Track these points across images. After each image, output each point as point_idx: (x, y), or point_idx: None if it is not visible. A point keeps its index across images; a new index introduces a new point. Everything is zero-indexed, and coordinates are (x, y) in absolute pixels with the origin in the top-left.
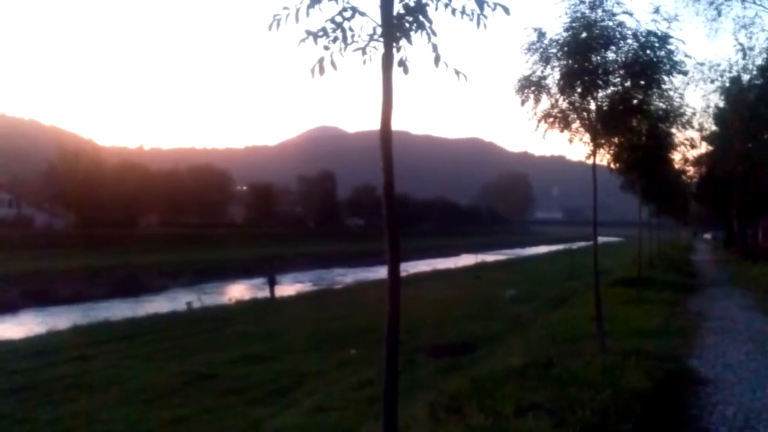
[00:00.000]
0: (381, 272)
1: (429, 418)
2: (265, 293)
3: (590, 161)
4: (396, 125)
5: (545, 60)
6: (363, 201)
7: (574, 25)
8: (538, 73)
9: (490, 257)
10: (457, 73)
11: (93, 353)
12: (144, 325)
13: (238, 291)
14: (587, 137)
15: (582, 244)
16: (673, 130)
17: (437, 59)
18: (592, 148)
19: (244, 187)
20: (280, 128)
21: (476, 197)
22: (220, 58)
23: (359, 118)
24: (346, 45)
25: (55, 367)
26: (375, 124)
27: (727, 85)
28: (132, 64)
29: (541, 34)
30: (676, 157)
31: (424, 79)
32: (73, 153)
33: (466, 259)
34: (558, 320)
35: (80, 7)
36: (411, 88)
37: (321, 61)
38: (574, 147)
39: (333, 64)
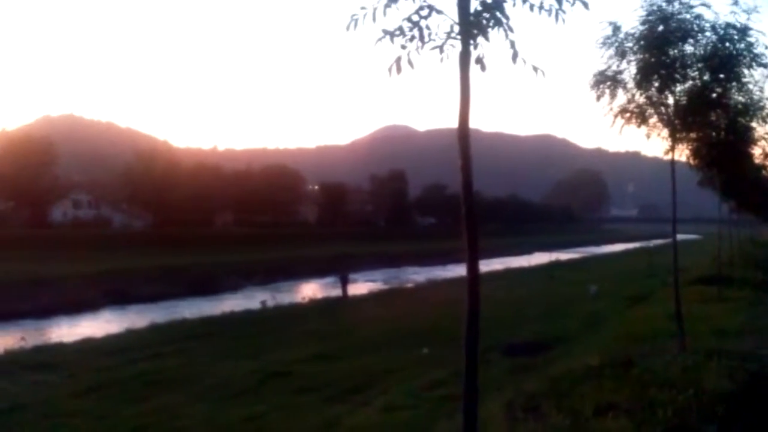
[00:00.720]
0: (452, 271)
1: (506, 417)
2: (337, 292)
3: (668, 157)
4: (458, 123)
5: (621, 54)
6: (433, 200)
7: (650, 18)
8: (614, 67)
9: (563, 255)
10: (535, 69)
11: (170, 351)
12: (219, 324)
13: (310, 290)
14: (665, 132)
15: (658, 241)
16: (754, 125)
17: (515, 56)
18: (670, 143)
19: (316, 187)
20: (351, 127)
21: (549, 195)
22: (291, 60)
23: (429, 117)
24: (423, 43)
25: (134, 364)
26: (445, 123)
27: None
28: (206, 67)
29: (617, 28)
30: (757, 152)
31: (495, 76)
32: (149, 155)
33: (539, 258)
34: (636, 319)
35: (154, 12)
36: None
37: (398, 60)
38: (651, 142)
39: (410, 62)
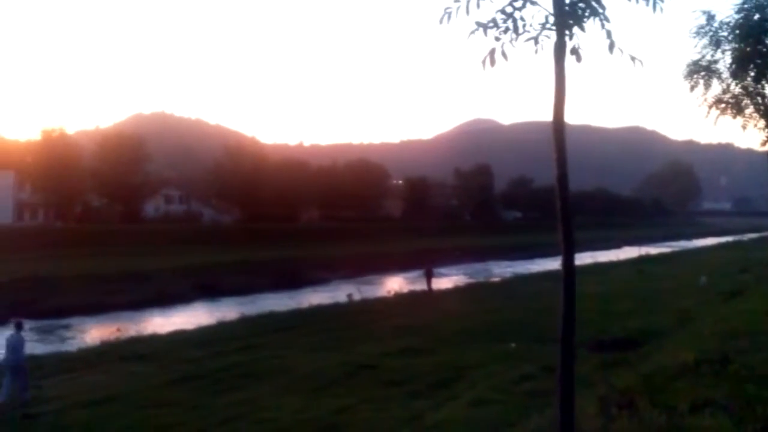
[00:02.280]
0: (539, 265)
1: (600, 413)
2: (422, 286)
3: (764, 149)
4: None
5: (716, 44)
6: (519, 194)
7: (746, 6)
8: (708, 57)
9: (653, 250)
10: (633, 59)
11: (259, 343)
12: (307, 317)
13: (395, 283)
14: (761, 123)
15: (753, 235)
16: None
17: (612, 46)
18: (766, 134)
19: (400, 181)
20: (435, 121)
21: (638, 188)
22: (376, 55)
23: (515, 110)
24: (518, 35)
25: (224, 356)
26: (531, 116)
27: None
28: (293, 63)
29: (711, 17)
30: None
31: (583, 68)
32: (238, 151)
33: (629, 252)
34: (731, 314)
35: (242, 10)
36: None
37: (492, 52)
38: (747, 134)
39: (504, 54)
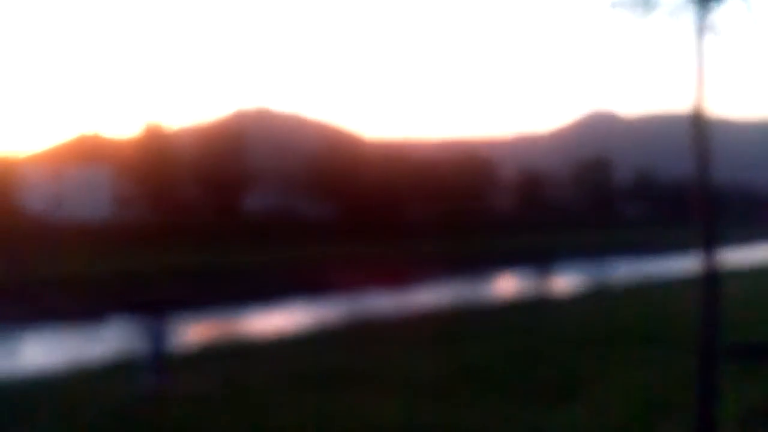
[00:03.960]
0: (663, 264)
1: (739, 424)
2: (536, 284)
3: None
4: (677, 105)
5: None
6: (641, 189)
7: None
8: None
9: None
10: None
11: (362, 343)
12: (412, 316)
13: (508, 282)
14: None
15: None
16: None
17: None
18: None
19: (512, 176)
20: (551, 115)
21: None
22: (485, 47)
23: (635, 102)
24: (651, 12)
25: (326, 355)
26: (652, 108)
27: None
28: (394, 56)
29: None
30: None
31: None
32: (337, 146)
33: None
34: None
35: (341, 6)
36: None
37: (624, 30)
38: None
39: (637, 33)
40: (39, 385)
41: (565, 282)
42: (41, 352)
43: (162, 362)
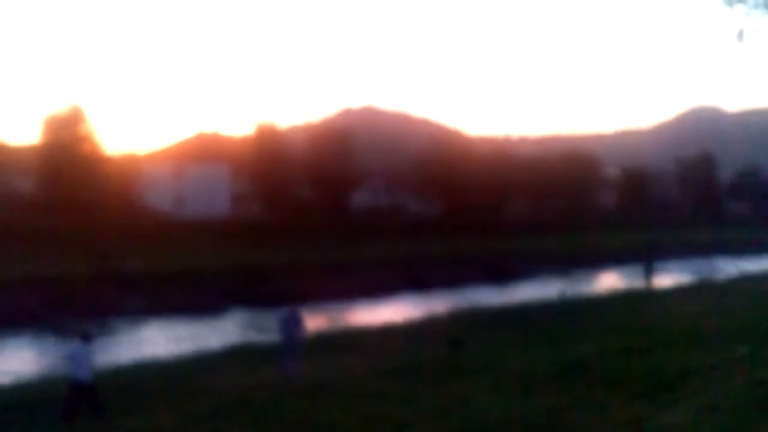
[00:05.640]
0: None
1: None
2: (639, 282)
3: None
4: None
5: None
6: (747, 185)
7: None
8: None
9: None
10: None
11: (468, 337)
12: (516, 312)
13: (609, 279)
14: None
15: None
16: None
17: None
18: None
19: (615, 173)
20: (654, 110)
21: None
22: (585, 42)
23: (741, 96)
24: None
25: (433, 349)
26: (757, 102)
27: None
28: (498, 54)
29: None
30: None
31: None
32: (443, 143)
33: None
34: None
35: (443, 4)
36: None
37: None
38: None
39: (755, 31)
40: (165, 371)
41: (669, 279)
42: (165, 341)
43: (294, 352)
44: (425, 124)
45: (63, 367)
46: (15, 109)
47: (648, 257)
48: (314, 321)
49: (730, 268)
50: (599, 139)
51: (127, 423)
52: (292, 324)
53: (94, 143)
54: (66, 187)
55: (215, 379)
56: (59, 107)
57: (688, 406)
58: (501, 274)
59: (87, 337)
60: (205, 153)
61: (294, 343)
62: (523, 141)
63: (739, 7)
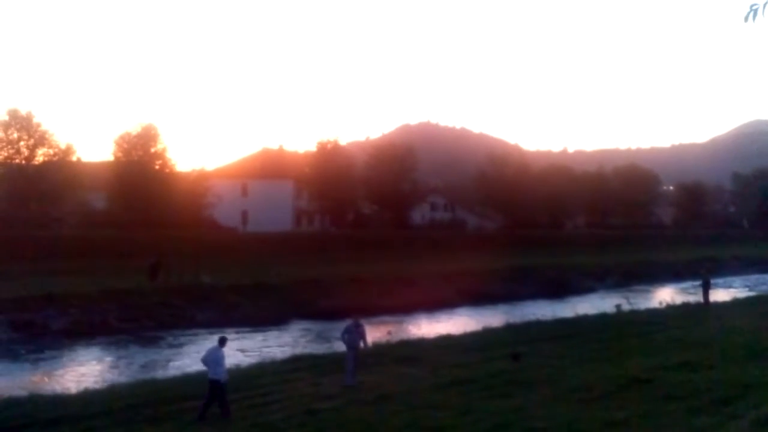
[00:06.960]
0: None
1: None
2: (697, 297)
3: None
4: None
5: None
6: None
7: None
8: None
9: None
10: None
11: (527, 351)
12: (574, 326)
13: (667, 294)
14: None
15: None
16: None
17: None
18: None
19: (671, 187)
20: (710, 124)
21: None
22: (640, 56)
23: None
24: None
25: (491, 362)
26: None
27: None
28: (553, 69)
29: None
30: None
31: None
32: (501, 158)
33: None
34: None
35: (500, 22)
36: None
37: None
38: None
39: None
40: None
41: (727, 294)
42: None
43: (356, 363)
44: (483, 139)
45: (203, 367)
46: (90, 128)
47: (705, 272)
48: (376, 333)
49: None
50: (655, 153)
51: None
52: (355, 335)
53: (166, 160)
54: (139, 203)
55: (282, 390)
56: (132, 125)
57: (747, 420)
58: (560, 288)
59: (223, 341)
60: (270, 169)
61: (356, 354)
62: (579, 155)
63: None
